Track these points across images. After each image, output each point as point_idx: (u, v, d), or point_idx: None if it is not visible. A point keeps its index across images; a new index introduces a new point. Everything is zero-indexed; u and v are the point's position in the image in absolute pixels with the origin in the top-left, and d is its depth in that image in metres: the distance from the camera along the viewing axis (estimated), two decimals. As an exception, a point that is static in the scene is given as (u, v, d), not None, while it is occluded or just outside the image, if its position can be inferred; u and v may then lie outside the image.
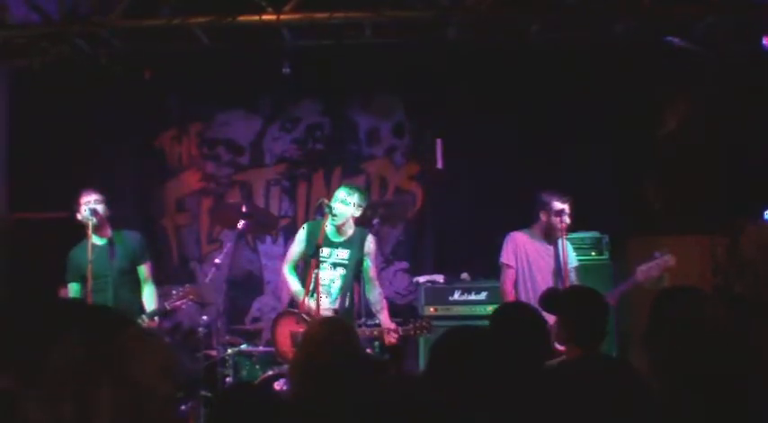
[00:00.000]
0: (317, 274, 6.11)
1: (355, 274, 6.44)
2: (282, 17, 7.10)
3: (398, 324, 6.34)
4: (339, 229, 6.42)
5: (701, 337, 2.71)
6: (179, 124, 9.08)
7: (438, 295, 7.48)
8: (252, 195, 9.03)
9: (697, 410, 2.53)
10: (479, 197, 8.41)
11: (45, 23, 7.19)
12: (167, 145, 9.12)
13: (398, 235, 8.92)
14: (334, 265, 6.41)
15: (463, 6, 7.01)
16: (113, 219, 6.66)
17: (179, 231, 9.09)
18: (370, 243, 6.49)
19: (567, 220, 6.34)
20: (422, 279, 7.73)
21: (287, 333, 6.27)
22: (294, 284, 6.52)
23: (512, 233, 6.57)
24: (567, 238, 6.48)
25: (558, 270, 6.36)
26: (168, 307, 6.43)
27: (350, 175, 8.85)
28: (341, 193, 6.46)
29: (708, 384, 2.55)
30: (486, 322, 4.04)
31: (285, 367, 6.24)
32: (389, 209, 7.72)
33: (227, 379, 6.90)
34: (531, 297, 6.22)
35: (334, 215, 6.32)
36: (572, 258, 6.50)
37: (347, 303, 6.38)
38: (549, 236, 6.44)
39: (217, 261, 7.18)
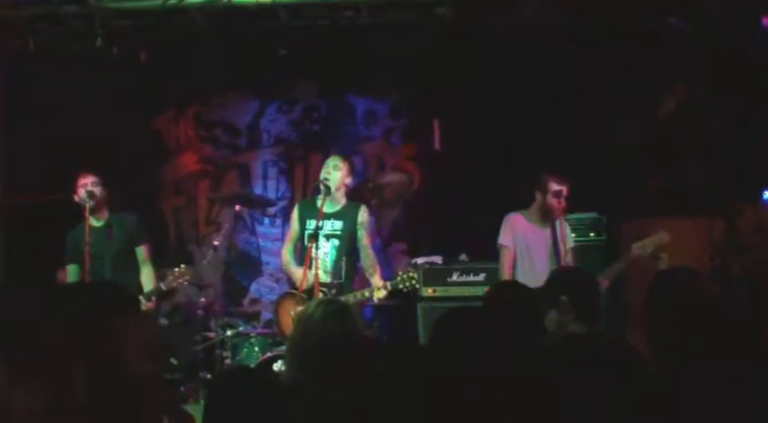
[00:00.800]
0: (316, 253, 6.13)
1: (349, 246, 6.45)
2: (278, -3, 7.07)
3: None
4: (332, 200, 6.41)
5: (698, 318, 2.71)
6: (176, 106, 9.06)
7: (436, 276, 7.47)
8: (249, 177, 9.03)
9: (696, 391, 2.54)
10: (477, 178, 8.40)
11: (41, 4, 7.16)
12: (164, 127, 9.11)
13: (396, 216, 8.92)
14: (327, 237, 6.41)
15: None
16: (111, 201, 6.65)
17: (177, 213, 9.09)
18: (363, 213, 6.53)
19: (563, 201, 6.35)
20: (420, 260, 7.72)
21: (289, 314, 6.27)
22: (290, 267, 6.53)
23: (509, 215, 6.58)
24: (566, 219, 6.49)
25: (556, 251, 6.37)
26: (165, 287, 6.43)
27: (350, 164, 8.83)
28: (331, 161, 6.47)
29: (706, 364, 2.55)
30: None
31: (284, 349, 6.25)
32: (387, 190, 7.72)
33: (226, 360, 6.92)
34: (529, 279, 6.22)
35: (328, 186, 6.32)
36: (569, 239, 6.51)
37: (342, 275, 6.38)
38: (546, 217, 6.43)
39: (215, 243, 7.18)
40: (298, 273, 6.37)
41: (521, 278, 6.31)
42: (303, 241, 6.48)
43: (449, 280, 7.47)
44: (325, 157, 6.82)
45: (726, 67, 7.46)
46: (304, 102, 9.05)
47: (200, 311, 7.36)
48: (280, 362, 6.26)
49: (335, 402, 2.58)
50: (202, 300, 7.42)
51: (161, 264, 6.93)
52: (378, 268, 6.53)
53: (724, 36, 7.22)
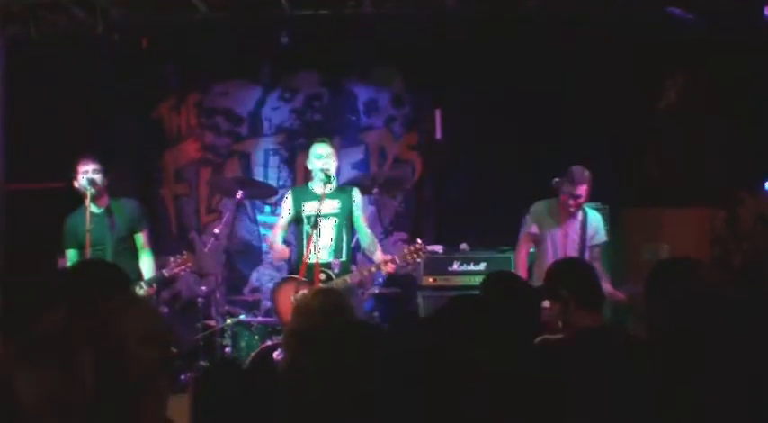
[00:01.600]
0: (317, 239, 6.14)
1: (348, 224, 6.47)
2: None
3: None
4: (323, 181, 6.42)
5: (698, 307, 2.70)
6: (177, 94, 9.05)
7: (437, 265, 7.48)
8: (250, 165, 9.02)
9: (697, 380, 2.54)
10: (478, 168, 8.40)
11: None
12: (166, 115, 9.09)
13: (397, 205, 8.91)
14: (326, 216, 6.41)
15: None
16: (112, 188, 6.65)
17: (178, 201, 9.09)
18: (356, 194, 6.57)
19: (579, 201, 6.46)
20: (421, 249, 7.72)
21: (288, 300, 6.25)
22: (276, 243, 6.54)
23: (536, 203, 6.70)
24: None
25: (576, 247, 6.46)
26: (166, 274, 6.44)
27: (348, 146, 8.84)
28: (323, 150, 6.44)
29: (708, 353, 2.55)
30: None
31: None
32: (388, 179, 7.71)
33: (226, 349, 6.92)
34: (538, 270, 6.33)
35: (329, 175, 6.34)
36: (598, 236, 6.60)
37: (343, 255, 6.40)
38: (568, 210, 6.52)
39: (216, 231, 7.17)
40: (281, 249, 6.44)
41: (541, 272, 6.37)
42: (299, 224, 6.48)
43: (449, 269, 7.48)
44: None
45: (727, 56, 7.45)
46: (306, 90, 9.04)
47: (200, 300, 7.35)
48: (279, 350, 6.27)
49: (335, 390, 2.58)
50: (203, 288, 7.42)
51: (162, 251, 6.93)
52: (378, 246, 6.54)
53: (726, 26, 7.20)
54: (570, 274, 4.01)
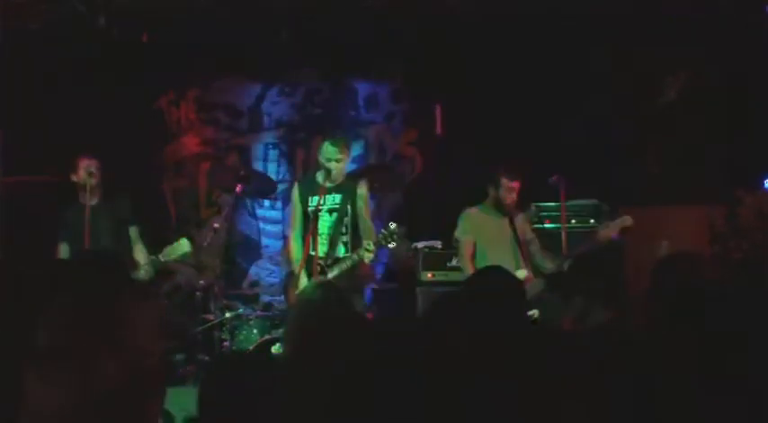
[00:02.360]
0: (314, 232, 6.13)
1: (346, 219, 6.37)
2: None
3: None
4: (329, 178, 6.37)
5: (702, 302, 2.70)
6: (177, 88, 9.04)
7: (436, 261, 7.49)
8: (250, 159, 9.02)
9: (698, 376, 2.54)
10: (478, 163, 8.39)
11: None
12: (166, 109, 9.09)
13: (397, 200, 8.92)
14: (330, 211, 6.39)
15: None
16: (109, 182, 6.66)
17: (177, 195, 9.09)
18: (362, 188, 6.45)
19: (513, 196, 6.47)
20: (420, 244, 7.72)
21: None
22: (295, 252, 6.45)
23: (466, 210, 6.70)
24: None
25: (517, 243, 6.50)
26: (162, 258, 6.39)
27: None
28: (333, 154, 6.34)
29: (709, 348, 2.55)
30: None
31: (282, 331, 6.25)
32: (388, 174, 7.71)
33: (225, 343, 6.92)
34: None
35: (330, 171, 6.28)
36: (527, 232, 6.67)
37: (343, 249, 6.36)
38: (501, 210, 6.54)
39: (215, 225, 7.17)
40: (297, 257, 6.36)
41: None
42: (307, 218, 6.43)
43: (448, 264, 7.48)
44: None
45: (729, 53, 7.45)
46: (306, 85, 9.03)
47: (199, 293, 7.35)
48: (278, 344, 6.27)
49: (333, 383, 2.59)
50: (201, 282, 7.42)
51: (161, 245, 6.91)
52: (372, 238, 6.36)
53: (726, 22, 7.20)
54: (600, 268, 4.01)
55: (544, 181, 6.79)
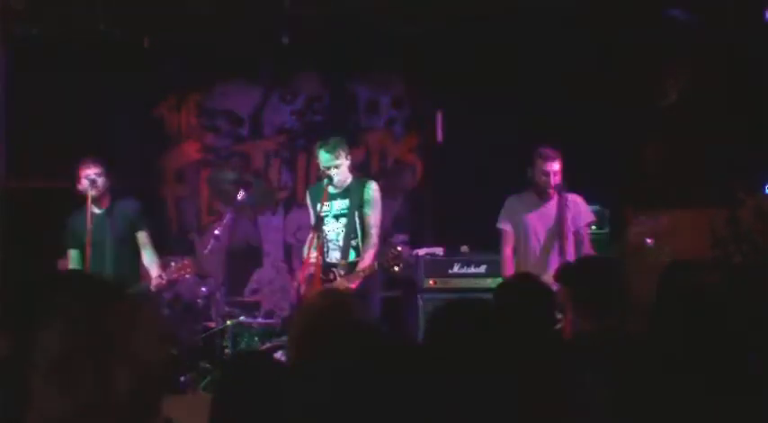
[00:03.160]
0: (318, 237, 6.08)
1: (355, 223, 6.29)
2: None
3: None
4: (326, 189, 6.25)
5: (712, 310, 2.70)
6: (177, 94, 9.04)
7: (437, 268, 7.47)
8: (251, 167, 9.02)
9: (704, 384, 2.53)
10: (479, 169, 8.39)
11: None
12: (166, 115, 9.09)
13: (398, 207, 8.92)
14: (337, 217, 6.34)
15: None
16: (113, 189, 6.64)
17: (178, 202, 9.08)
18: (371, 191, 6.33)
19: (550, 179, 6.24)
20: (421, 251, 7.71)
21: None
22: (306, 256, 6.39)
23: (508, 198, 6.56)
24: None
25: (559, 230, 6.26)
26: (165, 278, 6.41)
27: (349, 147, 8.81)
28: (324, 158, 6.27)
29: (716, 357, 2.55)
30: (486, 295, 4.03)
31: (284, 339, 6.23)
32: (389, 180, 7.72)
33: (226, 350, 6.92)
34: (525, 261, 6.24)
35: (331, 177, 6.24)
36: (582, 216, 6.42)
37: (353, 255, 6.30)
38: (541, 195, 6.35)
39: (216, 232, 7.16)
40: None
41: (518, 260, 6.32)
42: (317, 224, 6.35)
43: (450, 272, 7.47)
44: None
45: (729, 59, 7.45)
46: (306, 91, 9.04)
47: (200, 301, 7.36)
48: (280, 352, 6.25)
49: (338, 391, 2.58)
50: (203, 289, 7.42)
51: (162, 252, 6.91)
52: (370, 251, 6.24)
53: (727, 27, 7.20)
54: (579, 273, 3.95)
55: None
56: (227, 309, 7.44)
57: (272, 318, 7.47)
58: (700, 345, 2.56)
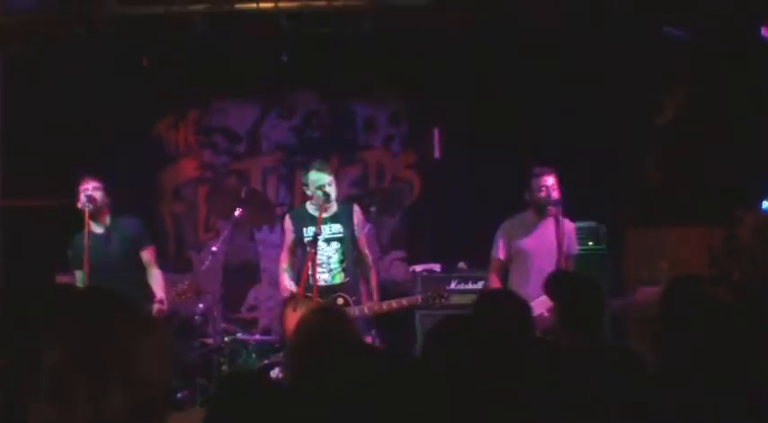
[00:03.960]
0: (313, 259, 6.12)
1: (352, 246, 6.47)
2: (280, 5, 7.10)
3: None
4: (323, 208, 6.36)
5: (716, 326, 2.70)
6: (176, 111, 9.06)
7: (435, 284, 7.45)
8: (249, 184, 9.02)
9: (706, 397, 2.53)
10: (477, 187, 8.40)
11: (43, 10, 7.17)
12: (164, 132, 9.09)
13: (395, 224, 8.92)
14: (329, 241, 6.40)
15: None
16: (112, 205, 6.62)
17: (176, 219, 9.08)
18: (356, 214, 6.56)
19: (544, 194, 6.23)
20: (419, 268, 7.72)
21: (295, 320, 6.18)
22: (286, 281, 6.45)
23: (502, 223, 6.53)
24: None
25: (557, 252, 6.19)
26: (166, 306, 6.41)
27: (347, 164, 8.85)
28: (319, 177, 6.36)
29: (718, 370, 2.55)
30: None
31: (281, 356, 6.23)
32: (386, 197, 7.73)
33: (223, 367, 6.90)
34: (525, 283, 6.18)
35: (328, 194, 6.29)
36: (574, 245, 6.45)
37: (349, 278, 6.40)
38: (541, 212, 6.31)
39: (213, 249, 7.16)
40: (284, 287, 6.39)
41: (519, 282, 6.26)
42: (303, 248, 6.44)
43: (447, 288, 7.45)
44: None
45: (726, 75, 7.47)
46: (304, 108, 9.05)
47: (197, 317, 7.34)
48: (276, 369, 6.24)
49: (336, 407, 2.58)
50: (200, 306, 7.39)
51: (160, 269, 6.90)
52: (373, 271, 6.59)
53: (723, 43, 7.23)
54: (563, 288, 3.96)
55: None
56: (224, 325, 7.43)
57: (269, 334, 7.45)
58: (712, 357, 2.57)
